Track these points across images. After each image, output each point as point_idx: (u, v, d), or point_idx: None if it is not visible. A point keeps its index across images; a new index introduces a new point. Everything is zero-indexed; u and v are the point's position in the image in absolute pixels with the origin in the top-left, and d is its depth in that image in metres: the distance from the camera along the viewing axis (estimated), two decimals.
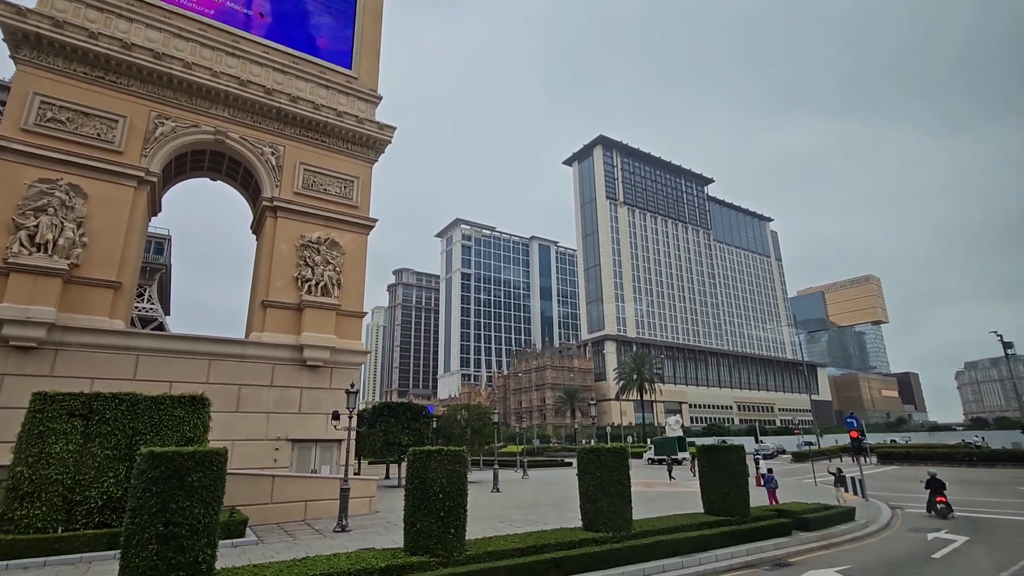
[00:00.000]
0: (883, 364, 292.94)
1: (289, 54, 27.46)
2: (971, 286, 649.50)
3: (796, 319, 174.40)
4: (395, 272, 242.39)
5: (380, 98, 29.53)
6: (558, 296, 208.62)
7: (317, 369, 24.04)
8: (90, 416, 15.42)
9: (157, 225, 72.32)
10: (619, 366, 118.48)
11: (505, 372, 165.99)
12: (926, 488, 21.19)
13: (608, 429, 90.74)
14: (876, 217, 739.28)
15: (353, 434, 21.46)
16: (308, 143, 26.89)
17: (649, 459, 62.73)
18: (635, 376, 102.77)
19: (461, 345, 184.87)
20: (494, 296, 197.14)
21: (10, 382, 18.16)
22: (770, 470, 24.97)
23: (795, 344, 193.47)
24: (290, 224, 25.35)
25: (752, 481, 22.65)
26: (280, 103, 25.81)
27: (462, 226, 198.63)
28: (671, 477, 39.50)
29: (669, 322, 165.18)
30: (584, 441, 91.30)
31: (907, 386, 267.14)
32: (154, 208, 26.03)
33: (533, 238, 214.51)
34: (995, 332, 45.37)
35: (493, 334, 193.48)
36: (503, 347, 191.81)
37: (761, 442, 75.11)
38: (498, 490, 31.52)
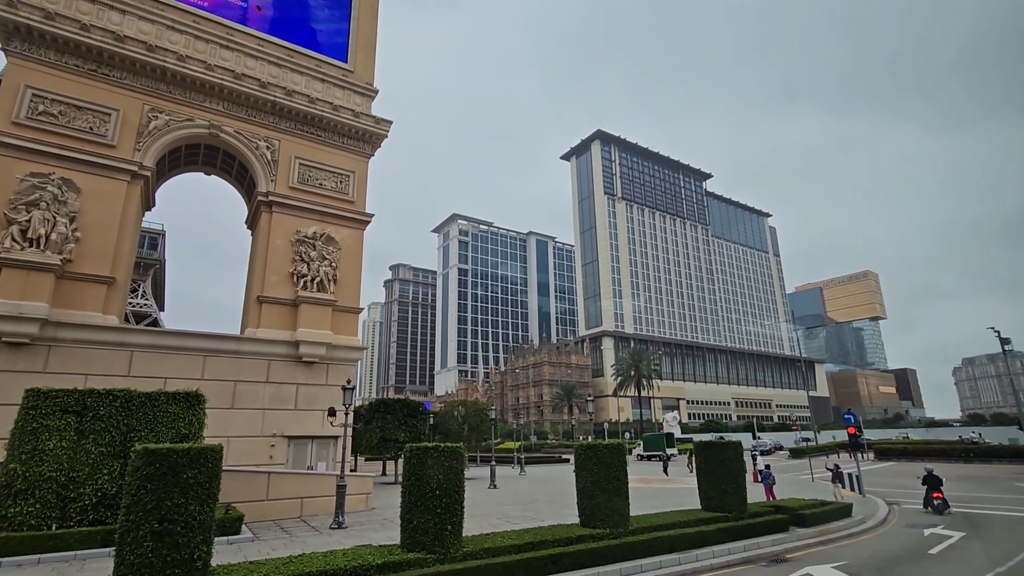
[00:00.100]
0: (881, 360, 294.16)
1: (284, 47, 27.19)
2: (969, 283, 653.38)
3: (794, 315, 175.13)
4: (392, 268, 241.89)
5: (376, 92, 29.31)
6: (556, 292, 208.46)
7: (313, 365, 23.93)
8: (84, 413, 15.32)
9: (151, 220, 71.84)
10: (617, 362, 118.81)
11: (502, 368, 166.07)
12: (923, 484, 21.25)
13: (606, 425, 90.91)
14: (875, 213, 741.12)
15: (349, 431, 21.38)
16: (303, 137, 26.67)
17: (639, 455, 63.67)
18: (633, 372, 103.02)
19: (458, 341, 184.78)
20: (491, 292, 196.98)
21: (3, 378, 17.97)
22: (768, 466, 25.00)
23: (793, 340, 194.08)
24: (285, 219, 25.17)
25: (749, 477, 22.73)
26: (275, 97, 25.58)
27: (459, 221, 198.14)
28: (665, 473, 39.71)
29: (667, 318, 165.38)
30: (581, 438, 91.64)
31: (905, 382, 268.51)
32: (148, 203, 25.80)
33: (531, 233, 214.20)
34: (993, 328, 45.53)
35: (490, 330, 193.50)
36: (500, 343, 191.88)
37: (758, 438, 75.40)
38: (495, 486, 31.51)
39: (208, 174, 29.03)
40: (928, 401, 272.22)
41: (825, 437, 70.15)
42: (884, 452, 51.62)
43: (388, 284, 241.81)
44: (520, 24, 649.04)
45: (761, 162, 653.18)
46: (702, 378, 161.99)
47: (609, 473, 14.10)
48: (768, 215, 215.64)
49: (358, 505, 21.69)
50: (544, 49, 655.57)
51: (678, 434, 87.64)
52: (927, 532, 17.15)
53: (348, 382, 21.28)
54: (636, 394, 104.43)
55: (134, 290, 69.57)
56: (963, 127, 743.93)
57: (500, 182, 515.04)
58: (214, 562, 8.85)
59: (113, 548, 8.29)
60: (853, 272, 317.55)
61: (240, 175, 27.98)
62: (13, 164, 19.72)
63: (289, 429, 22.89)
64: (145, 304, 71.09)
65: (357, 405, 36.05)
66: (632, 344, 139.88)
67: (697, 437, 74.80)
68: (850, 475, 26.10)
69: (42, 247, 19.21)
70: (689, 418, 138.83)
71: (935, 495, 20.66)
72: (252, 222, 27.84)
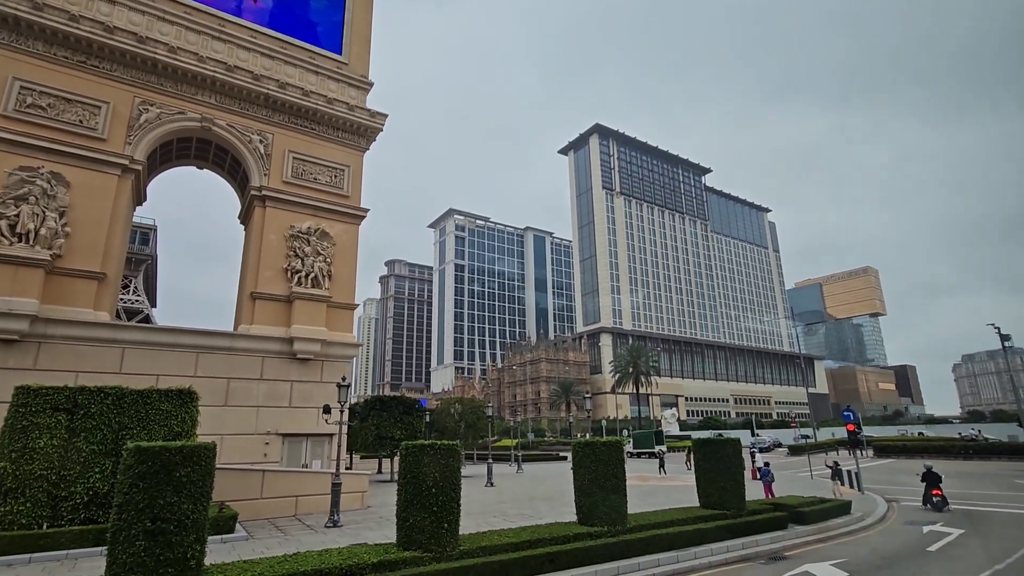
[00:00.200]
0: (880, 357, 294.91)
1: (278, 39, 26.83)
2: (970, 279, 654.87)
3: (793, 311, 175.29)
4: (387, 263, 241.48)
5: (371, 84, 28.98)
6: (553, 288, 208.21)
7: (308, 362, 23.70)
8: (75, 410, 15.10)
9: (142, 214, 71.52)
10: (615, 359, 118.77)
11: (499, 365, 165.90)
12: (922, 481, 21.21)
13: (604, 423, 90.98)
14: (875, 209, 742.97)
15: (345, 428, 21.20)
16: (297, 131, 26.34)
17: (628, 452, 63.79)
18: (631, 369, 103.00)
19: (455, 338, 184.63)
20: (488, 288, 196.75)
21: None
22: (766, 463, 24.89)
23: (792, 336, 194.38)
24: (279, 214, 24.87)
25: (748, 475, 22.61)
26: (268, 89, 25.23)
27: (456, 216, 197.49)
28: (661, 470, 39.84)
29: (665, 314, 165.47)
30: (579, 435, 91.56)
31: (904, 379, 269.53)
32: (139, 197, 25.49)
33: (528, 229, 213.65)
34: (993, 325, 45.56)
35: (487, 326, 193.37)
36: (497, 340, 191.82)
37: (757, 435, 75.42)
38: (492, 484, 31.38)
39: (200, 168, 28.69)
40: (928, 398, 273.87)
41: (824, 434, 70.23)
42: (883, 449, 51.70)
43: (384, 280, 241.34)
44: (518, 20, 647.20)
45: (761, 158, 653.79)
46: (701, 375, 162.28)
47: (607, 471, 13.97)
48: (768, 210, 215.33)
49: (353, 503, 21.54)
50: (542, 45, 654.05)
51: (676, 431, 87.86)
52: (926, 529, 17.08)
53: (343, 379, 21.02)
54: (634, 391, 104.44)
55: (125, 286, 69.23)
56: (963, 122, 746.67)
57: (497, 177, 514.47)
58: (208, 561, 8.77)
59: (105, 547, 8.24)
60: (853, 268, 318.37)
61: (233, 169, 27.65)
62: (1, 158, 19.37)
63: (284, 427, 22.68)
64: (137, 300, 70.76)
65: (352, 402, 35.85)
66: (630, 340, 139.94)
67: (695, 434, 74.90)
68: (849, 472, 26.06)
69: (31, 242, 18.89)
70: (688, 415, 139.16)
71: (934, 492, 20.61)
72: (245, 217, 27.54)
